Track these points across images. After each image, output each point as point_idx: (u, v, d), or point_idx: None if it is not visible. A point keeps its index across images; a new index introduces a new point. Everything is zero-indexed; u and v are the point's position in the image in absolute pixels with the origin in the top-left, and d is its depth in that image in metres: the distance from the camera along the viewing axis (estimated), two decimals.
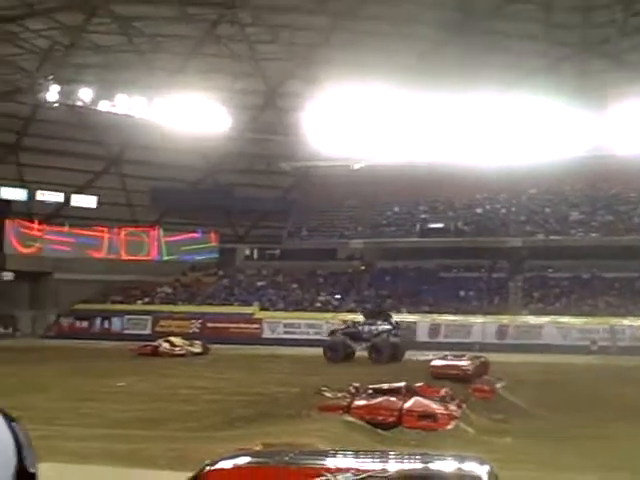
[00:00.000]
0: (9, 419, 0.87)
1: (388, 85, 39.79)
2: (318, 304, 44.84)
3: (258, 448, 10.90)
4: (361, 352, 31.17)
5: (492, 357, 25.46)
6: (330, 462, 7.19)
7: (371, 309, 38.18)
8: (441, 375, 21.21)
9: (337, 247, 50.54)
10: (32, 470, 0.81)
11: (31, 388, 21.48)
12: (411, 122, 43.90)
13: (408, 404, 16.19)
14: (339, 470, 6.59)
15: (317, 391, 18.41)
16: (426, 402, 16.39)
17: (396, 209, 50.79)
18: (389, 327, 32.33)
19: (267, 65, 43.58)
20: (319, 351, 31.87)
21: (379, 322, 32.55)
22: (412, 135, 44.19)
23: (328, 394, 17.98)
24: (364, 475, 6.56)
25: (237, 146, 46.15)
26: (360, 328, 32.30)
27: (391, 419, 15.87)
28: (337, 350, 31.22)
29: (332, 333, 33.62)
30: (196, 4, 37.45)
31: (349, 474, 6.54)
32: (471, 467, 6.96)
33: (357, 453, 7.88)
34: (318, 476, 6.52)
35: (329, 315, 42.35)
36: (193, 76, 41.27)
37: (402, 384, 17.47)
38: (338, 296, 45.59)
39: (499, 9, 36.37)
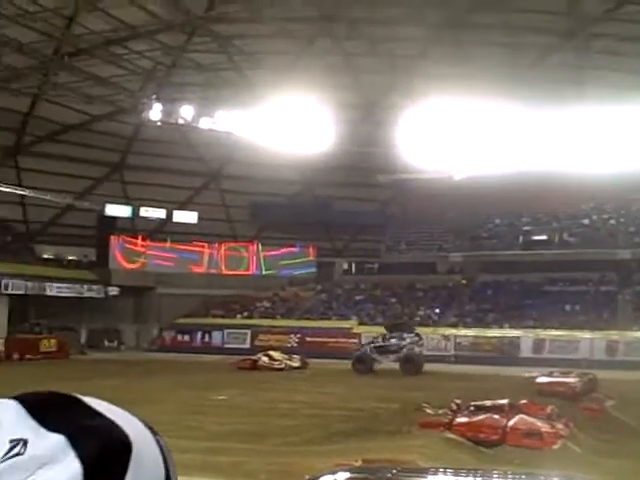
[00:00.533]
0: (153, 432, 0.87)
1: (491, 95, 38.96)
2: (417, 318, 44.17)
3: (358, 464, 10.62)
4: (387, 364, 32.11)
5: (601, 374, 24.36)
6: None
7: (394, 322, 38.86)
8: (547, 392, 20.39)
9: (436, 260, 49.76)
10: None
11: (139, 401, 21.86)
12: (513, 132, 42.74)
13: (512, 422, 15.58)
14: None
15: (418, 407, 18.00)
16: (531, 420, 15.73)
17: (497, 221, 49.70)
18: (415, 338, 33.68)
19: (365, 78, 43.44)
20: None
21: (404, 334, 33.65)
22: (514, 145, 43.01)
23: (429, 410, 17.55)
24: None
25: (335, 159, 46.15)
26: (387, 341, 33.29)
27: (494, 437, 15.28)
28: (365, 362, 32.66)
29: (362, 346, 35.41)
30: (294, 20, 37.71)
31: None
32: None
33: (459, 471, 7.50)
34: None
35: (429, 330, 41.63)
36: (291, 91, 41.56)
37: (505, 401, 16.86)
38: (438, 310, 44.83)
39: (611, 11, 34.91)
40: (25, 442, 0.74)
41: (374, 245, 51.13)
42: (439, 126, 43.75)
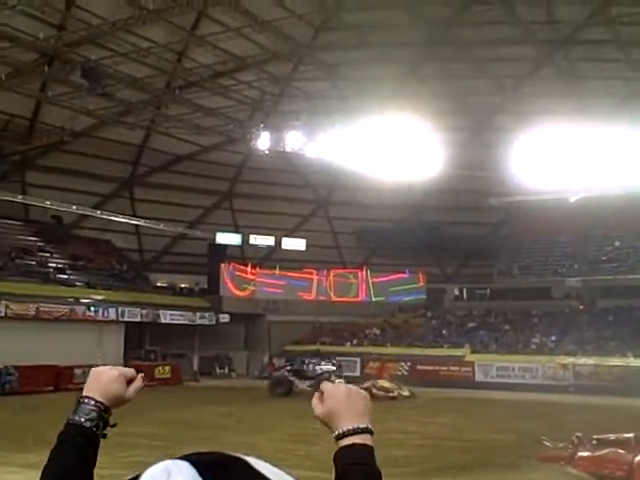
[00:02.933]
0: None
1: (602, 114, 37.43)
2: (533, 346, 42.56)
3: None
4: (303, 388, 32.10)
5: None
6: None
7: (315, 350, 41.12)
8: None
9: (552, 285, 47.89)
10: None
11: (251, 428, 21.88)
12: (633, 148, 40.73)
13: (639, 457, 14.47)
14: None
15: (536, 439, 17.05)
16: None
17: (617, 243, 47.52)
18: (332, 367, 34.75)
19: (472, 100, 42.65)
20: (534, 396, 30.12)
21: (323, 362, 35.05)
22: (633, 163, 41.00)
23: (548, 443, 16.57)
24: None
25: (443, 183, 45.38)
26: (305, 367, 34.16)
27: (619, 473, 14.18)
28: (282, 385, 33.19)
29: (277, 370, 36.45)
30: (399, 45, 37.45)
31: None
32: None
33: None
34: None
35: (545, 358, 40.02)
36: (397, 116, 41.22)
37: (632, 435, 15.69)
38: (554, 338, 43.03)
39: None
40: None
41: (486, 270, 49.82)
42: (551, 146, 42.29)
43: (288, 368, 34.67)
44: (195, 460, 0.79)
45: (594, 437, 15.90)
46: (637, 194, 40.43)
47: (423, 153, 43.77)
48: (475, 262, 51.12)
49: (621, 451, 14.74)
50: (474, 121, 45.12)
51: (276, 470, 0.85)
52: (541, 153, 42.65)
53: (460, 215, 49.60)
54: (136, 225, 45.90)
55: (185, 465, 0.78)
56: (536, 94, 39.40)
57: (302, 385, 32.59)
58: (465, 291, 53.23)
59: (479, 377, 40.83)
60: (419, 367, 42.10)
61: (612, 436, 15.76)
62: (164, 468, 0.78)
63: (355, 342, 47.26)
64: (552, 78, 38.36)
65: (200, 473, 0.76)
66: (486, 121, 45.08)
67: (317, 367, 34.21)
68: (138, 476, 0.80)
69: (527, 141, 42.42)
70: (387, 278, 51.72)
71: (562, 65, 37.57)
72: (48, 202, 39.90)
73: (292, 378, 33.42)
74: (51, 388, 32.95)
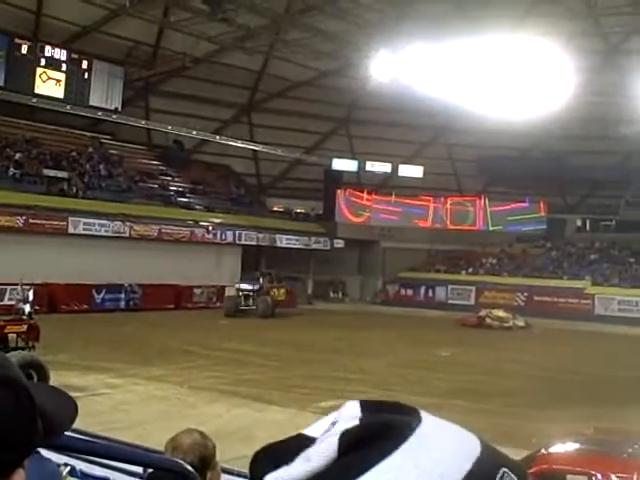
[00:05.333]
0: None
1: None
2: None
3: (590, 432, 9.77)
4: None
5: None
6: None
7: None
8: None
9: None
10: None
11: (363, 353, 22.21)
12: None
13: None
14: None
15: None
16: None
17: None
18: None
19: (606, 20, 40.15)
20: None
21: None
22: None
23: None
24: None
25: (571, 111, 43.30)
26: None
27: None
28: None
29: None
30: None
31: None
32: None
33: None
34: None
35: None
36: (526, 37, 39.42)
37: None
38: None
39: None
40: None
41: (612, 201, 47.79)
42: None
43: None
44: (366, 402, 0.76)
45: None
46: None
47: (551, 78, 41.86)
48: (600, 193, 49.08)
49: None
50: (607, 44, 42.60)
51: (452, 429, 0.74)
52: None
53: (587, 144, 47.36)
54: (254, 150, 46.49)
55: (355, 404, 0.76)
56: None
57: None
58: (588, 222, 51.34)
59: (599, 310, 39.69)
60: (536, 298, 41.33)
61: None
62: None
63: (470, 271, 46.78)
64: None
65: (362, 408, 0.74)
66: (620, 44, 42.46)
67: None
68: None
69: None
70: (506, 207, 50.52)
71: None
72: (170, 127, 40.87)
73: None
74: (172, 306, 34.54)
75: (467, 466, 0.70)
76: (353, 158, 49.68)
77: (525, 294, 41.86)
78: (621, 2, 37.09)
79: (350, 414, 0.74)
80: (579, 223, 51.39)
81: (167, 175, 42.67)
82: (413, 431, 0.71)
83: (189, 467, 2.19)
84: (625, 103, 41.04)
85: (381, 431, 0.70)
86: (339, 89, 45.98)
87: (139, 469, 2.99)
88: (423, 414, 0.75)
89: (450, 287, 44.62)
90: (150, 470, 2.74)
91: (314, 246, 44.48)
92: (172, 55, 38.67)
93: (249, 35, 37.82)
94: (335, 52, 40.30)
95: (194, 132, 41.60)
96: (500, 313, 34.23)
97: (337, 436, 0.71)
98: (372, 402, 0.76)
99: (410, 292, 45.97)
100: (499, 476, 0.71)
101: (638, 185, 47.31)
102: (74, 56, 36.75)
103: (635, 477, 5.43)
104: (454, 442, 0.73)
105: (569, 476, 6.13)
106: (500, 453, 0.75)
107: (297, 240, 43.29)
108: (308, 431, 0.75)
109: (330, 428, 0.73)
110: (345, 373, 18.00)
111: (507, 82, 41.41)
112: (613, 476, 5.46)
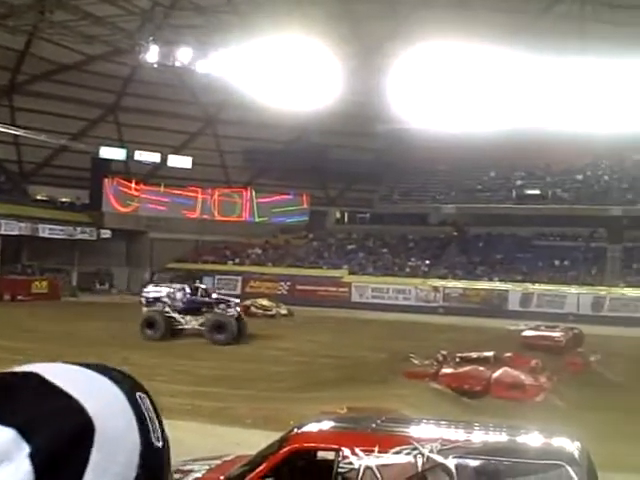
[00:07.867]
0: (131, 390, 0.77)
1: (492, 44, 38.44)
2: (408, 269, 44.50)
3: (343, 412, 10.86)
4: None
5: (587, 329, 24.60)
6: (417, 431, 7.04)
7: None
8: (532, 345, 20.62)
9: (429, 212, 49.87)
10: (157, 444, 0.77)
11: (130, 344, 22.09)
12: (512, 85, 42.35)
13: (496, 374, 15.89)
14: (426, 440, 6.44)
15: (405, 357, 18.28)
16: (515, 372, 16.05)
17: (492, 174, 49.69)
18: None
19: (365, 25, 42.75)
20: (407, 317, 31.81)
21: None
22: (512, 98, 42.67)
23: (415, 361, 17.84)
24: (451, 446, 6.39)
25: (332, 107, 45.65)
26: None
27: (478, 388, 15.62)
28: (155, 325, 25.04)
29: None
30: None
31: (437, 444, 6.37)
32: (560, 442, 6.67)
33: (442, 423, 7.70)
34: (405, 444, 6.39)
35: (418, 281, 42.05)
36: (289, 37, 40.99)
37: (491, 353, 17.14)
38: (428, 262, 45.11)
39: None
40: None
41: (368, 195, 51.03)
42: (438, 76, 43.32)
43: (163, 294, 25.83)
44: None
45: (457, 355, 17.30)
46: (513, 128, 42.16)
47: (314, 75, 43.94)
48: (358, 187, 52.14)
49: (481, 368, 16.17)
50: (366, 46, 45.36)
51: (76, 375, 0.74)
52: (428, 83, 43.68)
53: (346, 139, 50.22)
54: (15, 135, 44.07)
55: None
56: (427, 19, 39.75)
57: (191, 324, 25.14)
58: (346, 215, 54.60)
59: (355, 297, 42.50)
60: (299, 287, 43.31)
61: (474, 354, 17.21)
62: None
63: (237, 261, 47.88)
64: (443, 3, 38.74)
65: None
66: (377, 47, 45.39)
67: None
68: None
69: (415, 69, 43.26)
70: (271, 199, 52.21)
71: None
72: None
73: (173, 314, 25.12)
74: None
75: None
76: (122, 146, 48.67)
77: (288, 283, 43.68)
78: (379, 11, 39.70)
79: None
80: (338, 215, 54.43)
81: None
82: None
83: None
84: (381, 103, 44.04)
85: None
86: (108, 75, 44.97)
87: None
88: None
89: (217, 277, 45.28)
90: None
91: (79, 236, 43.21)
92: None
93: (12, 12, 35.95)
94: (104, 36, 39.38)
95: None
96: (264, 302, 35.43)
97: None
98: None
99: None
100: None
101: (390, 180, 50.96)
102: None
103: (376, 448, 6.28)
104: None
105: (319, 453, 7.00)
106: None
107: (61, 230, 41.86)
108: None
109: None
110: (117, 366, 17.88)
111: (275, 77, 42.97)
112: (357, 449, 6.24)
